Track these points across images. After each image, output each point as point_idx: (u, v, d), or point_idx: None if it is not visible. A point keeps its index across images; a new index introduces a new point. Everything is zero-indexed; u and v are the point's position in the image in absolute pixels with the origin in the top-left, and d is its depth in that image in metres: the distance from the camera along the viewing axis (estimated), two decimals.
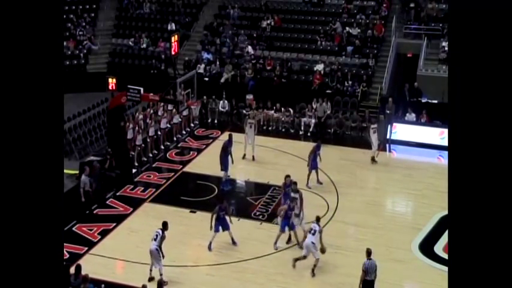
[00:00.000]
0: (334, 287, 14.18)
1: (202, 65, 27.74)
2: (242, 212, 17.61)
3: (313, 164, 18.80)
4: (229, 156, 19.16)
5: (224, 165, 19.08)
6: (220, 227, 15.46)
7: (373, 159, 20.68)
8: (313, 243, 14.31)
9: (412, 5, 28.16)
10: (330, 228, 16.64)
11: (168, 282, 13.90)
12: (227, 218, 15.59)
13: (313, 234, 14.36)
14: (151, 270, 14.13)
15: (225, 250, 15.62)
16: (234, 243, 15.71)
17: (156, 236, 13.98)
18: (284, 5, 30.75)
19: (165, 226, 14.19)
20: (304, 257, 14.54)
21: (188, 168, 20.71)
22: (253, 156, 20.90)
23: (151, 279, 14.02)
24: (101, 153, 20.26)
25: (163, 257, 13.99)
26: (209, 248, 15.51)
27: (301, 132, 23.95)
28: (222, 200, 15.99)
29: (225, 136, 23.29)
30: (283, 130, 24.25)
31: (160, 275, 13.81)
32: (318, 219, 14.73)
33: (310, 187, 18.53)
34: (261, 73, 27.10)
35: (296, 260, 14.68)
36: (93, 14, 31.67)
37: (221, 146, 19.49)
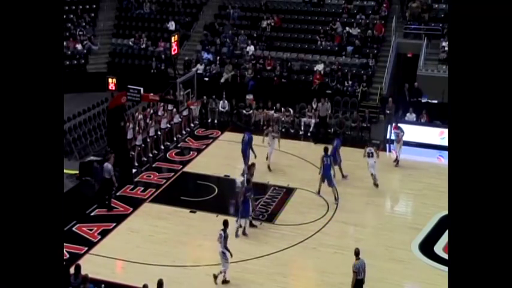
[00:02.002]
0: (334, 287, 14.18)
1: (202, 65, 27.75)
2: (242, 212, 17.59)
3: (337, 160, 19.42)
4: (251, 150, 19.34)
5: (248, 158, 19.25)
6: (250, 211, 16.20)
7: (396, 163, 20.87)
8: (375, 162, 18.65)
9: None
10: (330, 228, 16.68)
11: (230, 281, 14.11)
12: (250, 202, 16.19)
13: (372, 156, 18.64)
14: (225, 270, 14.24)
15: None
16: (253, 225, 16.47)
17: (220, 237, 14.01)
18: (284, 5, 30.74)
19: (225, 225, 14.26)
20: (372, 174, 18.87)
21: (188, 168, 20.70)
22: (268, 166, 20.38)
23: (225, 281, 14.15)
24: (101, 153, 20.24)
25: (231, 255, 14.03)
26: (245, 233, 16.08)
27: (301, 132, 23.94)
28: (249, 181, 16.66)
29: (225, 136, 23.42)
30: (283, 130, 24.24)
31: (224, 273, 13.99)
32: (372, 144, 19.18)
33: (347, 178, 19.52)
34: (261, 73, 27.10)
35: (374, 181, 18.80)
36: (93, 14, 31.66)
37: (244, 140, 19.49)
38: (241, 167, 20.26)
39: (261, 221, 17.00)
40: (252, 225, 16.54)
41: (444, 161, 21.30)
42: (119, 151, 19.10)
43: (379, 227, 16.83)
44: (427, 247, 15.81)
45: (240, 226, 16.17)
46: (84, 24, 30.70)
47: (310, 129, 23.75)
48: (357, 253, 13.04)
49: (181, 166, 20.85)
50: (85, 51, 29.53)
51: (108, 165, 17.59)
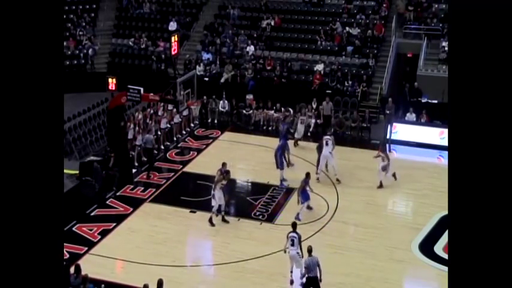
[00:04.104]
0: (334, 287, 14.14)
1: (202, 65, 27.75)
2: (242, 212, 17.61)
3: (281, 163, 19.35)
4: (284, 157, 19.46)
5: (281, 164, 19.28)
6: (308, 196, 16.94)
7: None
8: (330, 152, 18.99)
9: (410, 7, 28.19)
10: (330, 228, 16.68)
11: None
12: (308, 189, 16.99)
13: (327, 145, 18.88)
14: (291, 272, 14.18)
15: (225, 250, 15.62)
16: (309, 208, 17.21)
17: (292, 240, 13.94)
18: (284, 5, 30.74)
19: (294, 227, 14.28)
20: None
21: (188, 168, 20.70)
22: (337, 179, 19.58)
23: (292, 282, 14.13)
24: (101, 153, 20.24)
25: (301, 256, 14.05)
26: (298, 219, 16.28)
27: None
28: (308, 175, 17.14)
29: (225, 136, 23.42)
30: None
31: (301, 278, 13.83)
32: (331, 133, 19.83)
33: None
34: (261, 73, 27.10)
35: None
36: (93, 14, 31.65)
37: (278, 146, 19.50)
38: (241, 167, 20.33)
39: (261, 221, 17.00)
40: (224, 219, 16.82)
41: (444, 161, 21.30)
42: (119, 151, 19.11)
43: (379, 227, 16.82)
44: (427, 247, 15.79)
45: (309, 207, 17.05)
46: (84, 24, 30.70)
47: (310, 129, 23.72)
48: (309, 250, 13.30)
49: (181, 166, 20.86)
50: (85, 51, 29.49)
51: (149, 137, 20.16)
